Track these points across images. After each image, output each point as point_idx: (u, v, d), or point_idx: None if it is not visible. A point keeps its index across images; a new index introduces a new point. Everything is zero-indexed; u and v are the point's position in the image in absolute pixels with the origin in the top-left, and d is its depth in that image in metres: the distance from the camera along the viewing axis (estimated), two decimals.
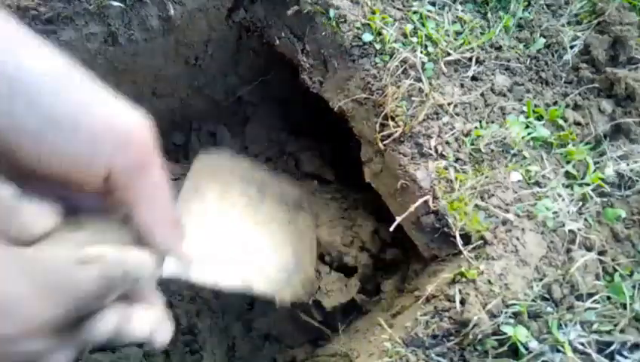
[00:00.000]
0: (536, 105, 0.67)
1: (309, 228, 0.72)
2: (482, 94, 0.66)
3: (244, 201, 0.65)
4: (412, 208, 0.58)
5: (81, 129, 0.31)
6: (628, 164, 0.62)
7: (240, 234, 0.62)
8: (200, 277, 0.48)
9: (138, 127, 0.34)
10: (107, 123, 0.32)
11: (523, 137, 0.63)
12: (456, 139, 0.61)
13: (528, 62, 0.70)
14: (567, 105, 0.68)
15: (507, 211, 0.57)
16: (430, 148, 0.60)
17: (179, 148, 0.89)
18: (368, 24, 0.65)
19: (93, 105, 0.32)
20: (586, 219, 0.59)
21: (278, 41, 0.72)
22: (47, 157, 0.31)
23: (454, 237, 0.56)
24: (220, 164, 0.65)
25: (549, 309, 0.51)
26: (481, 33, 0.70)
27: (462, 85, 0.66)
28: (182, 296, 0.71)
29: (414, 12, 0.68)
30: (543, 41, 0.71)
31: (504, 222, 0.57)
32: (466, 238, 0.56)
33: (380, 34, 0.64)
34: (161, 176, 0.34)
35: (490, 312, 0.50)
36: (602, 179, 0.61)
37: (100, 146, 0.32)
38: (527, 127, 0.64)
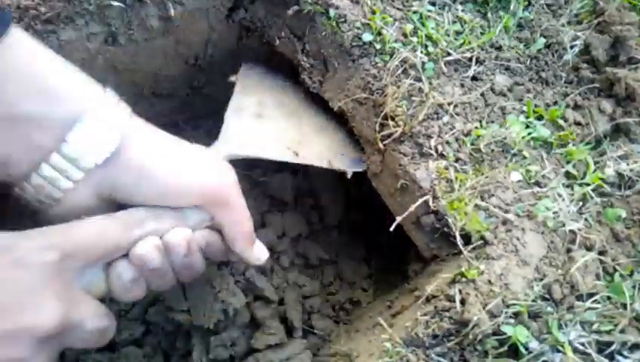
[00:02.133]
0: (536, 105, 0.67)
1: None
2: (482, 94, 0.66)
3: (290, 103, 0.75)
4: (412, 208, 0.58)
5: (180, 194, 0.48)
6: (628, 164, 0.62)
7: (291, 124, 0.71)
8: (256, 153, 0.63)
9: (218, 184, 0.50)
10: (199, 187, 0.49)
11: (523, 137, 0.63)
12: (457, 139, 0.61)
13: (528, 62, 0.70)
14: (568, 105, 0.68)
15: (507, 211, 0.57)
16: (430, 148, 0.60)
17: None
18: (368, 24, 0.65)
19: (187, 174, 0.48)
20: (586, 219, 0.59)
21: (278, 41, 0.72)
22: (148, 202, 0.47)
23: (454, 237, 0.56)
24: (264, 74, 0.76)
25: (549, 309, 0.51)
26: (482, 33, 0.70)
27: (462, 85, 0.66)
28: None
29: (414, 12, 0.68)
30: (543, 41, 0.71)
31: (504, 222, 0.57)
32: (466, 238, 0.56)
33: (380, 34, 0.64)
34: (240, 206, 0.51)
35: (491, 312, 0.50)
36: (602, 179, 0.61)
37: (194, 200, 0.49)
38: (528, 127, 0.64)
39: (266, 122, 0.68)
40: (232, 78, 0.72)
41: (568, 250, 0.56)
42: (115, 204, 0.46)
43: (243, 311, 0.66)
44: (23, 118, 0.39)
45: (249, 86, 0.72)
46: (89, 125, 0.42)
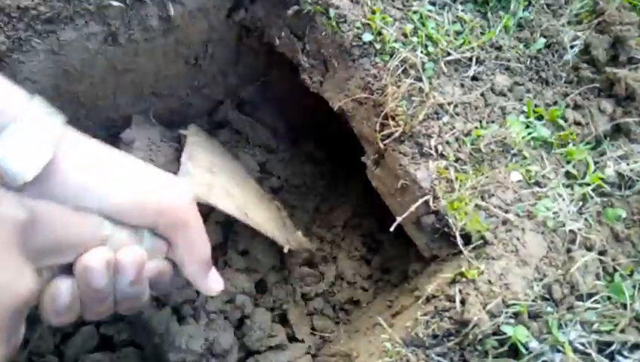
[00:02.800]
0: (536, 105, 0.67)
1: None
2: (482, 94, 0.65)
3: (235, 169, 0.76)
4: (412, 208, 0.58)
5: (134, 210, 0.43)
6: (628, 164, 0.62)
7: (239, 188, 0.71)
8: (214, 202, 0.60)
9: (175, 203, 0.46)
10: (155, 204, 0.45)
11: (523, 137, 0.63)
12: (457, 139, 0.61)
13: (528, 62, 0.70)
14: (568, 105, 0.68)
15: (507, 211, 0.57)
16: (430, 148, 0.60)
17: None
18: (368, 24, 0.65)
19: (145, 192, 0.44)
20: (586, 219, 0.59)
21: (278, 41, 0.72)
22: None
23: (454, 237, 0.56)
24: (210, 139, 0.78)
25: (549, 309, 0.51)
26: (482, 33, 0.70)
27: (462, 85, 0.66)
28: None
29: (414, 12, 0.68)
30: (543, 40, 0.71)
31: (504, 222, 0.57)
32: (467, 238, 0.56)
33: (380, 34, 0.64)
34: (198, 228, 0.47)
35: (491, 312, 0.50)
36: (602, 179, 0.61)
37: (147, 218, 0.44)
38: (528, 126, 0.64)
39: (217, 178, 0.67)
40: (182, 132, 0.74)
41: (568, 250, 0.56)
42: None
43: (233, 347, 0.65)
44: None
45: (200, 143, 0.73)
46: (16, 138, 0.36)
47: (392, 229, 0.58)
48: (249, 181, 0.77)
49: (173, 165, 0.76)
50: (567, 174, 0.62)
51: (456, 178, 0.58)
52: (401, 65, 0.63)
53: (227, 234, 0.74)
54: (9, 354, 0.34)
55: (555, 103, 0.68)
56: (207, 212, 0.73)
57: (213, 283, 0.49)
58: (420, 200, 0.57)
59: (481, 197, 0.58)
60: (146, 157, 0.69)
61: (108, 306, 0.44)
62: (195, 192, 0.53)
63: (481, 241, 0.55)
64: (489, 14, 0.72)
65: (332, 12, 0.65)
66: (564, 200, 0.59)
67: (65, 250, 0.39)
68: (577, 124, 0.66)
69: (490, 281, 0.52)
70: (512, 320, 0.50)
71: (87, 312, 0.42)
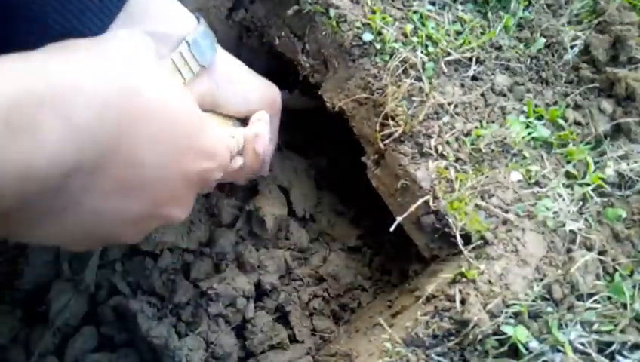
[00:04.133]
0: (536, 105, 0.67)
1: None
2: (482, 94, 0.65)
3: None
4: (412, 208, 0.58)
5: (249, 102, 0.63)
6: (628, 164, 0.62)
7: None
8: None
9: (273, 98, 0.66)
10: (261, 96, 0.64)
11: (523, 137, 0.63)
12: (457, 139, 0.61)
13: (528, 62, 0.70)
14: (568, 105, 0.68)
15: (507, 211, 0.57)
16: (430, 148, 0.60)
17: None
18: (368, 24, 0.65)
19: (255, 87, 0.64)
20: (586, 219, 0.59)
21: (278, 41, 0.72)
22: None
23: (454, 237, 0.56)
24: None
25: (549, 309, 0.51)
26: (482, 33, 0.70)
27: (462, 85, 0.66)
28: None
29: (414, 12, 0.68)
30: (543, 40, 0.71)
31: (504, 222, 0.57)
32: (467, 238, 0.56)
33: (380, 33, 0.64)
34: (276, 123, 0.69)
35: (491, 312, 0.50)
36: (603, 179, 0.61)
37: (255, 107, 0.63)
38: (528, 126, 0.64)
39: None
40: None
41: (568, 250, 0.56)
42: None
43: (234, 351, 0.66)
44: (149, 34, 0.47)
45: None
46: (200, 36, 0.53)
47: (392, 229, 0.58)
48: None
49: None
50: (567, 174, 0.62)
51: (456, 178, 0.58)
52: (401, 65, 0.63)
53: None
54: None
55: (555, 103, 0.68)
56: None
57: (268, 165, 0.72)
58: (420, 200, 0.57)
59: (481, 197, 0.58)
60: None
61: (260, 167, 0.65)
62: None
63: (481, 241, 0.55)
64: (489, 14, 0.72)
65: (332, 12, 0.65)
66: (564, 200, 0.59)
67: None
68: (577, 124, 0.66)
69: (490, 281, 0.52)
70: (512, 320, 0.50)
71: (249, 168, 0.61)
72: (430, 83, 0.63)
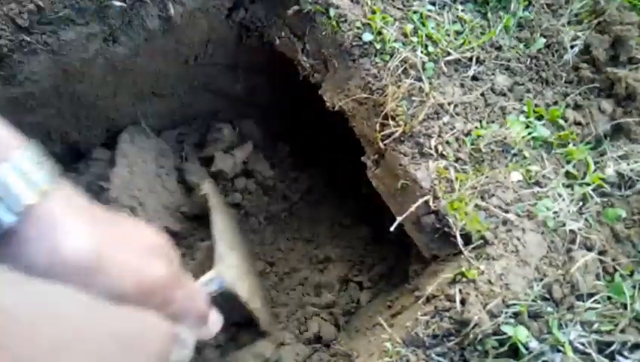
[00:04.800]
0: (536, 105, 0.66)
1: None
2: (482, 94, 0.65)
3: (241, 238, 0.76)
4: (412, 208, 0.58)
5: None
6: (628, 164, 0.62)
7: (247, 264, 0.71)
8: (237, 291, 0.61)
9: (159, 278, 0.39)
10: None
11: (523, 137, 0.63)
12: (457, 139, 0.61)
13: (528, 62, 0.70)
14: (568, 105, 0.68)
15: (507, 211, 0.57)
16: (430, 148, 0.60)
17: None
18: (368, 24, 0.65)
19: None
20: (586, 219, 0.59)
21: (278, 41, 0.72)
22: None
23: (455, 237, 0.56)
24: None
25: (549, 309, 0.51)
26: (482, 33, 0.70)
27: (462, 85, 0.66)
28: None
29: (414, 12, 0.68)
30: (543, 40, 0.71)
31: (504, 222, 0.57)
32: (467, 238, 0.56)
33: (380, 33, 0.64)
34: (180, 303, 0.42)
35: (491, 312, 0.50)
36: (602, 179, 0.61)
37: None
38: (528, 126, 0.64)
39: (237, 256, 0.67)
40: (202, 188, 0.74)
41: (568, 250, 0.56)
42: None
43: None
44: None
45: (218, 207, 0.72)
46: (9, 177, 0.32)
47: (392, 229, 0.58)
48: (248, 250, 0.77)
49: (170, 177, 0.75)
50: (567, 174, 0.62)
51: (456, 178, 0.58)
52: (401, 65, 0.63)
53: None
54: None
55: (555, 103, 0.68)
56: None
57: (212, 326, 0.47)
58: (420, 200, 0.57)
59: (481, 197, 0.58)
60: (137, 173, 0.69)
61: None
62: (226, 280, 0.59)
63: (481, 241, 0.55)
64: (489, 14, 0.72)
65: (332, 12, 0.65)
66: (564, 200, 0.59)
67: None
68: (577, 124, 0.66)
69: (490, 281, 0.52)
70: (512, 320, 0.50)
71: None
72: (430, 83, 0.63)
